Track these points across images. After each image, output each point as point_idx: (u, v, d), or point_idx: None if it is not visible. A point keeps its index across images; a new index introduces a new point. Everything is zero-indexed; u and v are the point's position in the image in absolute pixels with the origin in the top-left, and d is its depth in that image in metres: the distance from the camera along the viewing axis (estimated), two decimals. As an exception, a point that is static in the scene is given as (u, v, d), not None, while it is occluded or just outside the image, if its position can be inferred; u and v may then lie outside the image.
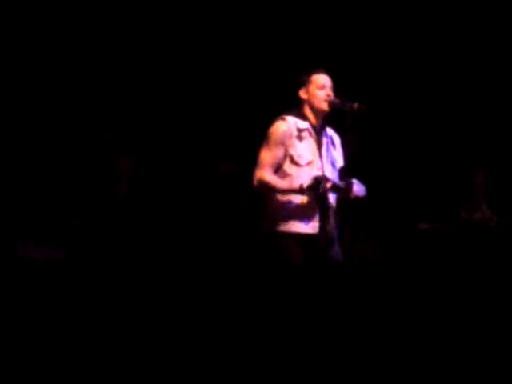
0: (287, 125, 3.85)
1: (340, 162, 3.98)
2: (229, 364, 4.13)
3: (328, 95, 3.86)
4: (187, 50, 6.27)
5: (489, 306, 4.99)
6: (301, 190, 3.70)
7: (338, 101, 3.85)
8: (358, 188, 3.82)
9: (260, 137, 3.93)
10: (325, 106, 3.86)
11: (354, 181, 3.81)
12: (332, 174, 3.88)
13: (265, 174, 3.81)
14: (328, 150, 3.92)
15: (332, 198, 3.86)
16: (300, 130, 3.86)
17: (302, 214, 3.79)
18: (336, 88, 3.92)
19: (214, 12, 6.22)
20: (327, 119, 3.95)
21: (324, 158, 3.88)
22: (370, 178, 4.01)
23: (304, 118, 3.90)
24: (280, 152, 3.82)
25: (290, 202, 3.77)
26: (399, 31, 6.33)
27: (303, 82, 3.92)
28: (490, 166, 6.13)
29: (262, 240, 3.88)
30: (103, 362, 4.06)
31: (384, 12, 6.29)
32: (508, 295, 5.02)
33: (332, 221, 3.85)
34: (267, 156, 3.83)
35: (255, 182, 3.84)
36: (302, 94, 3.91)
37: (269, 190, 3.81)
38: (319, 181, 3.68)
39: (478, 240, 5.41)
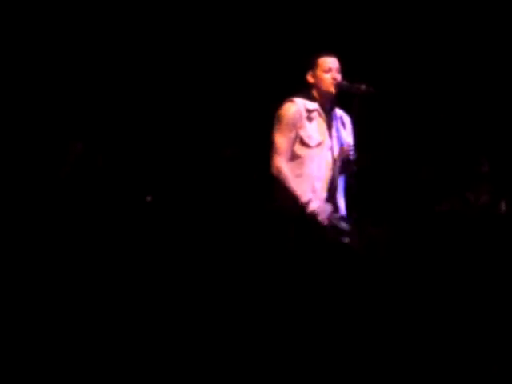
0: (296, 106, 3.85)
1: (350, 142, 3.97)
2: (225, 357, 4.12)
3: (334, 78, 3.84)
4: (189, 32, 6.25)
5: (496, 291, 4.98)
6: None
7: (344, 83, 3.85)
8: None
9: (265, 121, 3.93)
10: (332, 89, 3.85)
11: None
12: None
13: (283, 164, 3.80)
14: (338, 130, 3.93)
15: (340, 182, 3.87)
16: (309, 111, 3.86)
17: (312, 193, 3.79)
18: (343, 70, 3.91)
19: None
20: (335, 101, 3.94)
21: (334, 139, 3.89)
22: (377, 161, 4.02)
23: (313, 99, 3.89)
24: (292, 134, 3.82)
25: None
26: (405, 18, 6.32)
27: (310, 65, 3.91)
28: (494, 153, 6.13)
29: (272, 220, 3.88)
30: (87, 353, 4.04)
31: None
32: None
33: (341, 201, 3.87)
34: (282, 141, 3.82)
35: (274, 170, 3.82)
36: (309, 77, 3.90)
37: (281, 183, 3.80)
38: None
39: (486, 223, 5.40)
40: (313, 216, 3.73)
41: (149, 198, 5.17)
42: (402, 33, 6.30)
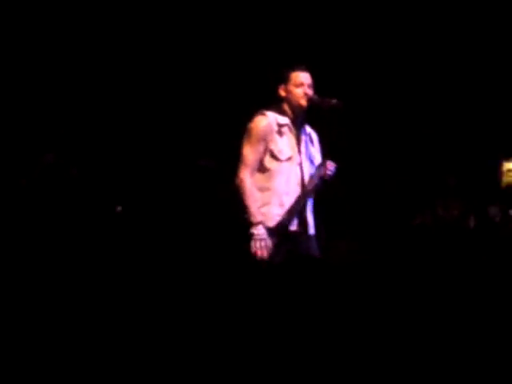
0: (267, 120, 3.85)
1: (318, 159, 4.00)
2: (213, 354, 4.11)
3: (305, 93, 3.86)
4: (174, 45, 6.25)
5: (466, 301, 5.03)
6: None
7: (316, 97, 3.87)
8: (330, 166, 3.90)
9: (239, 133, 3.94)
10: (303, 103, 3.87)
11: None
12: (310, 170, 3.91)
13: (246, 176, 3.80)
14: (307, 146, 3.95)
15: (310, 198, 3.89)
16: (280, 125, 3.87)
17: (283, 210, 3.81)
18: (319, 84, 3.94)
19: (193, 9, 6.22)
20: (306, 116, 3.96)
21: (303, 155, 3.91)
22: (349, 173, 4.04)
23: (284, 113, 3.91)
24: (261, 147, 3.82)
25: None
26: (384, 28, 6.37)
27: (282, 78, 3.92)
28: (461, 169, 6.20)
29: (241, 235, 3.88)
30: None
31: (368, 8, 6.31)
32: (483, 285, 5.06)
33: (310, 217, 3.88)
34: (250, 152, 3.82)
35: (237, 180, 3.82)
36: (281, 91, 3.91)
37: (240, 196, 3.80)
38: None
39: (455, 236, 5.47)
40: (253, 239, 3.73)
41: (119, 209, 5.16)
42: (374, 48, 6.35)
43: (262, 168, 3.83)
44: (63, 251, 5.38)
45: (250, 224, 3.74)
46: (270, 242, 3.77)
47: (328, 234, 4.19)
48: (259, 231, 3.74)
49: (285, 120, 3.88)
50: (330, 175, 3.89)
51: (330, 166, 3.89)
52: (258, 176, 3.83)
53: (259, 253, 3.74)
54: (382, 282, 5.15)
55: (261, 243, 3.74)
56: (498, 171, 6.82)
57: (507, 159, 6.91)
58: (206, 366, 3.85)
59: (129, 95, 6.21)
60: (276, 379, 3.59)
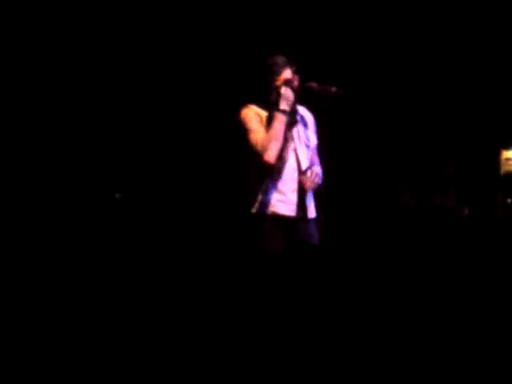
0: (253, 110, 3.88)
1: (314, 141, 4.02)
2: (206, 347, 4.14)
3: (297, 79, 3.87)
4: (166, 32, 6.25)
5: (458, 288, 5.07)
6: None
7: (314, 84, 3.88)
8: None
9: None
10: (296, 91, 3.87)
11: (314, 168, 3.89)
12: (306, 154, 3.93)
13: (269, 153, 3.76)
14: (301, 130, 3.96)
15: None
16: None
17: (281, 196, 3.83)
18: (316, 72, 3.94)
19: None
20: (299, 101, 3.95)
21: (298, 139, 3.92)
22: (346, 161, 4.06)
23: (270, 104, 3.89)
24: (260, 125, 3.83)
25: (269, 185, 3.82)
26: (381, 15, 6.35)
27: (274, 70, 3.91)
28: (460, 158, 6.22)
29: (243, 222, 3.91)
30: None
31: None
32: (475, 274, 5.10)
33: (310, 203, 3.91)
34: (255, 135, 3.81)
35: (263, 154, 3.77)
36: (273, 81, 3.90)
37: (275, 141, 3.78)
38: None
39: (450, 225, 5.50)
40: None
41: (117, 196, 5.18)
42: (372, 36, 6.35)
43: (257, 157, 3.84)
44: (61, 238, 5.40)
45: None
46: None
47: (326, 221, 4.21)
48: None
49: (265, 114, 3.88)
50: (312, 187, 3.88)
51: (313, 178, 3.87)
52: (255, 165, 3.85)
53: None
54: (378, 269, 5.19)
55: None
56: (496, 160, 6.84)
57: (506, 148, 6.94)
58: (202, 352, 3.89)
59: (133, 82, 6.20)
60: (273, 366, 3.63)
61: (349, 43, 6.25)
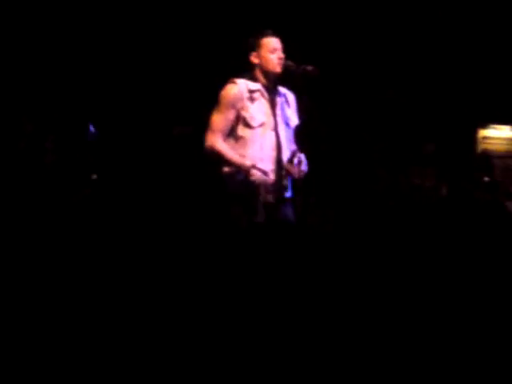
0: (238, 87, 3.84)
1: (294, 121, 3.99)
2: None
3: (280, 58, 3.85)
4: (142, 13, 6.19)
5: (436, 268, 5.08)
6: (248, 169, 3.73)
7: (291, 63, 3.86)
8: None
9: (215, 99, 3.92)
10: (278, 69, 3.86)
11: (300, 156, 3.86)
12: (286, 133, 3.91)
13: (216, 140, 3.81)
14: (282, 109, 3.92)
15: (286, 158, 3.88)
16: (251, 92, 3.85)
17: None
18: (287, 50, 3.90)
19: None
20: (279, 80, 3.94)
21: (278, 118, 3.89)
22: (323, 143, 4.04)
23: (255, 79, 3.89)
24: (231, 115, 3.82)
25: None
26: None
27: (253, 45, 3.89)
28: (439, 138, 6.22)
29: (216, 200, 3.89)
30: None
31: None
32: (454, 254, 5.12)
33: (287, 182, 3.89)
34: (218, 119, 3.83)
35: (206, 147, 3.84)
36: (253, 58, 3.88)
37: (218, 158, 3.82)
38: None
39: (429, 205, 5.51)
40: (256, 182, 3.73)
41: (94, 176, 5.14)
42: (349, 14, 6.32)
43: (235, 136, 3.83)
44: (40, 222, 5.36)
45: (246, 172, 3.73)
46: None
47: (305, 203, 4.19)
48: (256, 173, 3.75)
49: (256, 86, 3.87)
50: (300, 175, 3.86)
51: (299, 168, 3.84)
52: (233, 145, 3.83)
53: (263, 192, 3.74)
54: (356, 249, 5.19)
55: (262, 177, 3.75)
56: (473, 139, 6.86)
57: (483, 127, 6.96)
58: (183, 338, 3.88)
59: (103, 63, 6.14)
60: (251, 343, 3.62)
61: (324, 19, 6.22)
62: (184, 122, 5.98)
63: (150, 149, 5.92)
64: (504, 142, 7.01)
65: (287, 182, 3.89)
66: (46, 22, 6.01)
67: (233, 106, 3.81)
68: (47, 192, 5.59)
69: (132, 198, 5.63)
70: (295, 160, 3.82)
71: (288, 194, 3.91)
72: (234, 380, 3.41)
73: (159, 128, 6.00)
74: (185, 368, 3.53)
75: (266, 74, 3.87)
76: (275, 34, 3.90)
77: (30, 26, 5.99)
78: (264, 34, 3.88)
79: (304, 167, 3.87)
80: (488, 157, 6.63)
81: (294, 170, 3.82)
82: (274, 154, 3.85)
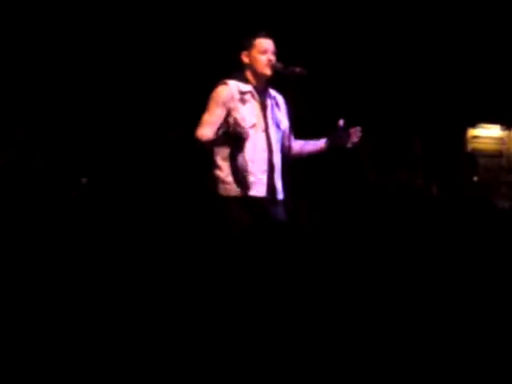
0: (229, 88, 3.85)
1: (285, 123, 4.01)
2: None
3: (269, 60, 3.86)
4: (129, 16, 6.18)
5: (428, 272, 5.10)
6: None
7: (280, 65, 3.87)
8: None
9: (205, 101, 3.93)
10: (267, 71, 3.87)
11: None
12: (277, 135, 3.93)
13: (203, 130, 3.82)
14: (272, 111, 3.95)
15: (278, 160, 3.90)
16: (242, 93, 3.86)
17: (251, 177, 3.82)
18: (278, 51, 3.92)
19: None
20: (269, 82, 3.96)
21: (269, 120, 3.91)
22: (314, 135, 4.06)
23: (246, 81, 3.90)
24: (221, 112, 3.82)
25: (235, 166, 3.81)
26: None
27: (245, 45, 3.91)
28: (427, 136, 6.24)
29: (209, 203, 3.90)
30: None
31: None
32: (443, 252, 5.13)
33: (278, 183, 3.91)
34: (207, 115, 3.85)
35: (196, 140, 3.85)
36: (244, 57, 3.90)
37: (208, 145, 3.82)
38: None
39: (419, 204, 5.52)
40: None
41: (84, 180, 5.14)
42: (339, 12, 6.33)
43: (227, 138, 3.83)
44: (29, 222, 5.36)
45: (240, 134, 3.74)
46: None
47: (294, 199, 4.20)
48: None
49: (247, 87, 3.88)
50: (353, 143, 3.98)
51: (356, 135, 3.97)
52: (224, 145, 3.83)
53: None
54: (346, 246, 5.20)
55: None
56: (462, 138, 6.89)
57: (472, 126, 6.98)
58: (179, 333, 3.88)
59: (95, 67, 6.13)
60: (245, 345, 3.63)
61: (314, 18, 6.23)
62: (176, 125, 5.98)
63: (142, 153, 5.92)
64: (493, 141, 7.03)
65: (279, 184, 3.91)
66: (34, 24, 6.00)
67: (223, 104, 3.82)
68: (36, 195, 5.59)
69: (123, 202, 5.63)
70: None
71: (280, 196, 3.93)
72: (234, 380, 3.43)
73: (151, 132, 6.00)
74: (185, 368, 3.54)
75: (256, 74, 3.89)
76: (268, 35, 3.92)
77: (17, 29, 5.98)
78: (257, 35, 3.91)
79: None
80: (473, 156, 6.66)
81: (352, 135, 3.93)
82: (265, 155, 3.87)
